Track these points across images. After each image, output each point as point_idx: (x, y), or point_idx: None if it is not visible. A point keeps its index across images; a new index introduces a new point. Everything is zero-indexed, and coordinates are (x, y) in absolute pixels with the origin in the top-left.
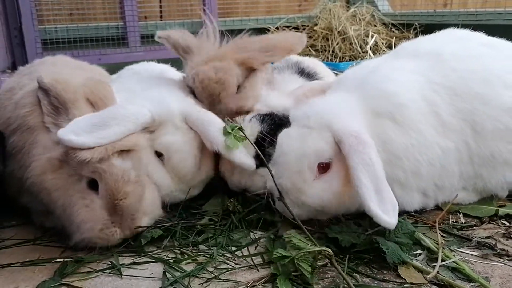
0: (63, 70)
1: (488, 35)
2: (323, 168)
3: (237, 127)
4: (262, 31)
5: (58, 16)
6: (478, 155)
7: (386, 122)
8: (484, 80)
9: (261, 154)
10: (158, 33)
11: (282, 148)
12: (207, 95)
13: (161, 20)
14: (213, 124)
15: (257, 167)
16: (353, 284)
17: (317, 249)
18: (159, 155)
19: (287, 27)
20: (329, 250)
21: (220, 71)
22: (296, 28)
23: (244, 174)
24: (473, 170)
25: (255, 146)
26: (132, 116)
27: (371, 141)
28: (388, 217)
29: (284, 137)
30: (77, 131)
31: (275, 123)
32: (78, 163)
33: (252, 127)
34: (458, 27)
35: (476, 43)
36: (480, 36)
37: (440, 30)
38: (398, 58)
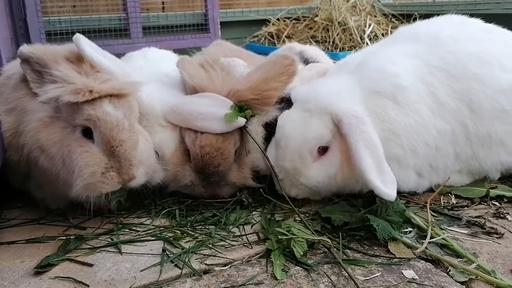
0: None
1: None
2: (323, 149)
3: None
4: (263, 22)
5: (61, 8)
6: (476, 135)
7: (386, 101)
8: (481, 61)
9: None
10: (179, 60)
11: (284, 131)
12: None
13: (163, 11)
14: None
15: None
16: (344, 259)
17: (317, 238)
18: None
19: (288, 18)
20: (329, 240)
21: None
22: (297, 19)
23: None
24: (471, 151)
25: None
26: (126, 68)
27: (369, 121)
28: (388, 189)
29: (286, 120)
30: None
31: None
32: (70, 112)
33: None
34: None
35: (474, 28)
36: (478, 21)
37: None
38: (397, 42)
